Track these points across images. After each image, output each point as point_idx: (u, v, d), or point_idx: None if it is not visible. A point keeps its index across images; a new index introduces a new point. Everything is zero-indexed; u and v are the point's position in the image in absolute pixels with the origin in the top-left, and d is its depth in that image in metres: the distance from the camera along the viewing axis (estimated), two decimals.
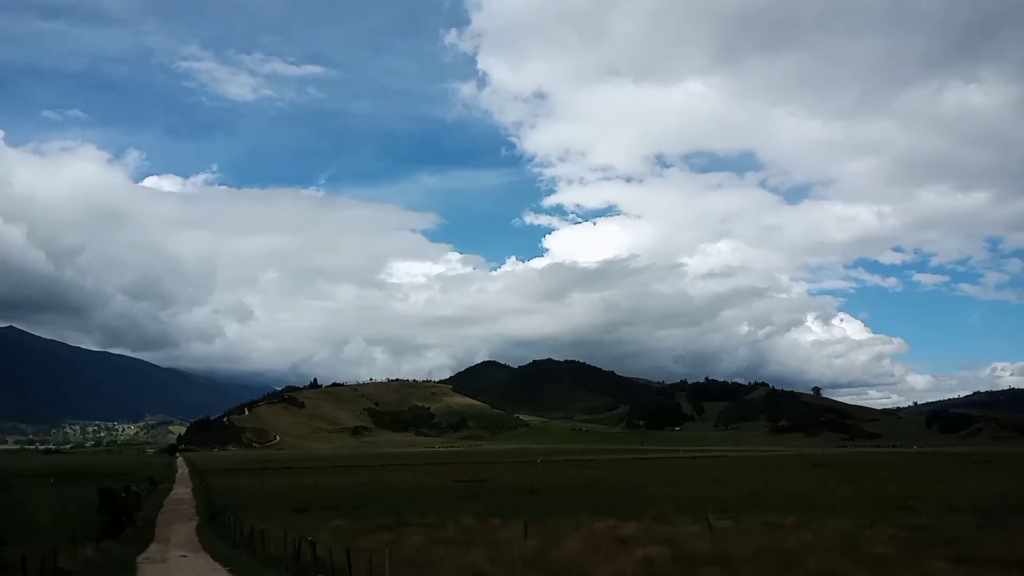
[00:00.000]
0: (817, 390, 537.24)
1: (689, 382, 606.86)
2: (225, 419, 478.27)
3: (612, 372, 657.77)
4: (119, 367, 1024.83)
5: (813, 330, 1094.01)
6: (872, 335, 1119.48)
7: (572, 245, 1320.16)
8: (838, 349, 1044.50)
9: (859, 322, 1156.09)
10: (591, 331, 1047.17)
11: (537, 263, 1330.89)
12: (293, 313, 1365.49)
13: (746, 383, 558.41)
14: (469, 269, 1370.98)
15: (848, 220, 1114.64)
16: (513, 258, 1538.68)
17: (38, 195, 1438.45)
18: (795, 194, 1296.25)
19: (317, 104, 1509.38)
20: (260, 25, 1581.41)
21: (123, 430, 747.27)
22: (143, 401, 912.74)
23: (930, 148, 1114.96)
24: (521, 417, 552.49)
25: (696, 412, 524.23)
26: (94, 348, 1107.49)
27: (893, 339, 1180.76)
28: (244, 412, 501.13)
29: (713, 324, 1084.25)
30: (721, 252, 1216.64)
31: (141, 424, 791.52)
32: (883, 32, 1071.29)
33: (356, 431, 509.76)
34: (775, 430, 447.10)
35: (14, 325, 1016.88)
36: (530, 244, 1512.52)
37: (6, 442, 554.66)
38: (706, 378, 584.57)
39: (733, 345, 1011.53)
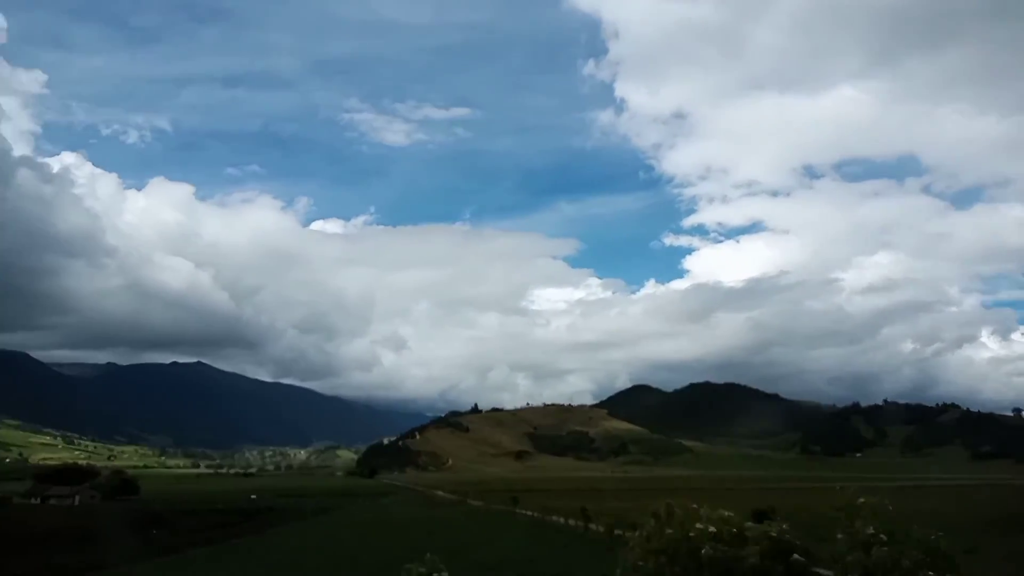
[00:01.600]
0: (1019, 411, 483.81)
1: (863, 405, 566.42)
2: (400, 443, 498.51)
3: (776, 395, 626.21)
4: (289, 396, 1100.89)
5: (989, 346, 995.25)
6: None
7: (715, 264, 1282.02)
8: (1020, 366, 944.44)
9: None
10: (738, 352, 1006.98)
11: (678, 285, 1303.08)
12: (442, 342, 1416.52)
13: (934, 405, 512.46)
14: (609, 293, 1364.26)
15: None
16: (653, 281, 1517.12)
17: (222, 242, 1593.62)
18: (965, 198, 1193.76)
19: (464, 144, 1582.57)
20: (412, 75, 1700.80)
21: (295, 455, 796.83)
22: (310, 427, 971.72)
23: None
24: (684, 443, 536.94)
25: (878, 437, 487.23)
26: (267, 379, 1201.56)
27: None
28: (415, 436, 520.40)
29: (873, 342, 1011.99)
30: (880, 265, 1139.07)
31: (310, 449, 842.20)
32: None
33: (519, 455, 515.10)
34: (976, 456, 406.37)
35: (202, 360, 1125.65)
36: (670, 266, 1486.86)
37: (199, 466, 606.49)
38: (884, 400, 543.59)
39: (896, 364, 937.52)
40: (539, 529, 54.45)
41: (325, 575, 33.65)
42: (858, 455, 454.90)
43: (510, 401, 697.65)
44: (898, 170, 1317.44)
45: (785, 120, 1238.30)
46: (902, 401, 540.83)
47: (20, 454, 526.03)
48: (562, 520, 56.83)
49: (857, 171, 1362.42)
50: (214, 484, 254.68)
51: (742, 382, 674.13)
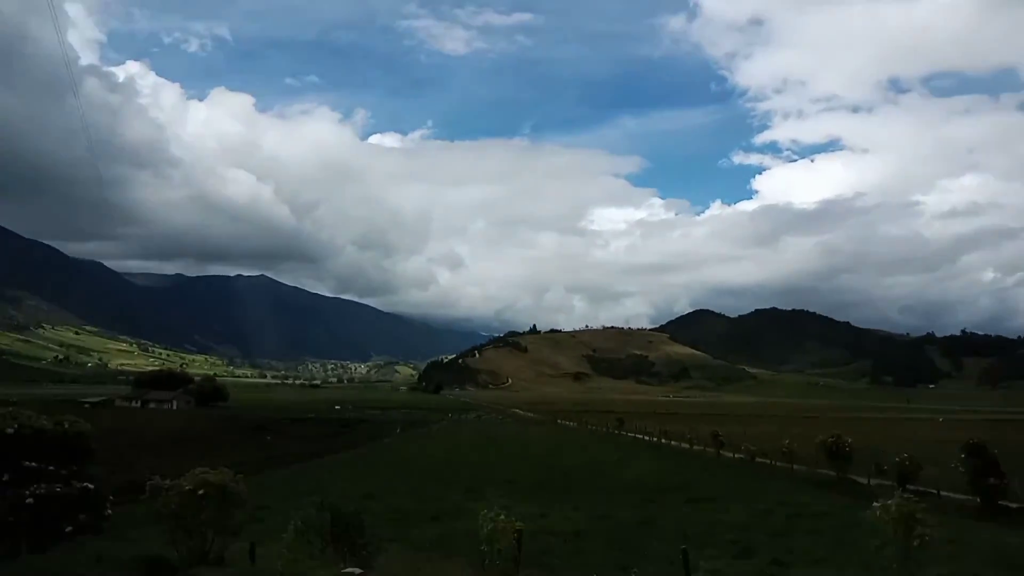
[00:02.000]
0: None
1: (938, 335, 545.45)
2: (460, 361, 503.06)
3: (847, 323, 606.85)
4: (348, 311, 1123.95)
5: None
6: None
7: (786, 185, 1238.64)
8: None
9: None
10: (805, 278, 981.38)
11: (746, 206, 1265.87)
12: (498, 261, 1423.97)
13: (1016, 337, 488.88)
14: (672, 214, 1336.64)
15: None
16: (719, 201, 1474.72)
17: (283, 155, 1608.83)
18: None
19: (525, 53, 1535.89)
20: None
21: (355, 368, 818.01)
22: (369, 342, 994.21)
23: None
24: (747, 369, 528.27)
25: (954, 368, 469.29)
26: (328, 294, 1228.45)
27: None
28: (475, 355, 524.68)
29: (951, 270, 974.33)
30: (965, 188, 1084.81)
31: (370, 364, 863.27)
32: None
33: (577, 376, 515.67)
34: None
35: (265, 274, 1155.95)
36: (738, 186, 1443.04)
37: (265, 376, 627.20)
38: (962, 331, 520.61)
39: (974, 294, 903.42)
40: (661, 451, 50.84)
41: (487, 486, 28.82)
42: (931, 386, 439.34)
43: (566, 322, 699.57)
44: (993, 85, 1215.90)
45: (873, 28, 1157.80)
46: (981, 332, 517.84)
47: (100, 359, 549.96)
48: (685, 445, 52.75)
49: (947, 85, 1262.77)
50: (291, 394, 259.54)
51: (810, 308, 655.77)
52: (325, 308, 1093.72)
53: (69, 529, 9.39)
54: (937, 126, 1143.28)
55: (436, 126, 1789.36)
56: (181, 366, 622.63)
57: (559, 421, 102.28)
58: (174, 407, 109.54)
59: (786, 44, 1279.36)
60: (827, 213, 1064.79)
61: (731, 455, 44.17)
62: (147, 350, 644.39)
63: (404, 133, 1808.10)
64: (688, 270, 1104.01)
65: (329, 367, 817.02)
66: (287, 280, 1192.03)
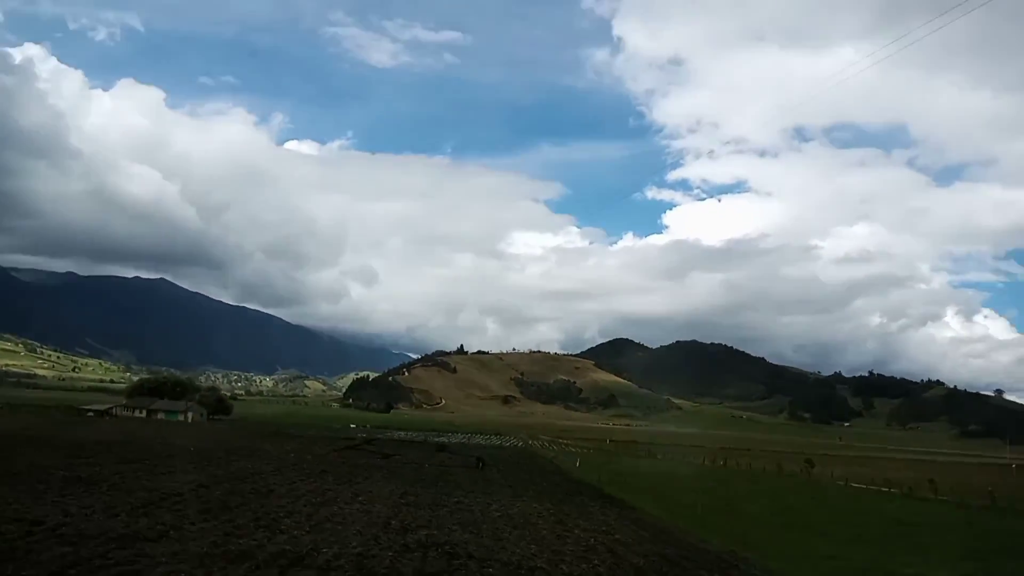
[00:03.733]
0: (1000, 392, 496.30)
1: (845, 375, 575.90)
2: (391, 379, 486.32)
3: (762, 359, 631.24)
4: (253, 321, 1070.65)
5: (951, 326, 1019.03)
6: (1019, 335, 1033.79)
7: (695, 222, 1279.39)
8: (978, 348, 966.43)
9: (1005, 320, 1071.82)
10: (709, 313, 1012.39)
11: (656, 240, 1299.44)
12: (413, 279, 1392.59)
13: (920, 381, 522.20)
14: (587, 243, 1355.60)
15: (1006, 205, 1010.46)
16: (631, 233, 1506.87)
17: (193, 154, 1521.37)
18: (947, 175, 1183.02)
19: (451, 71, 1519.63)
20: None
21: (260, 381, 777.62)
22: (275, 355, 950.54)
23: None
24: (671, 399, 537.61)
25: (864, 407, 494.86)
26: (231, 302, 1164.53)
27: None
28: (404, 373, 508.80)
29: (843, 313, 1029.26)
30: (858, 236, 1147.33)
31: (276, 377, 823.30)
32: None
33: (506, 400, 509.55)
34: (964, 434, 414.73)
35: (165, 277, 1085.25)
36: (650, 220, 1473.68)
37: None
38: (870, 372, 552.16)
39: (861, 336, 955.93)
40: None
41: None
42: (846, 424, 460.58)
43: (479, 344, 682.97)
44: (887, 140, 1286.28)
45: (783, 76, 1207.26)
46: (886, 374, 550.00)
47: None
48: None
49: (847, 137, 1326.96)
50: (254, 408, 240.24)
51: (719, 342, 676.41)
52: (228, 316, 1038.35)
53: None
54: (835, 175, 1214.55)
55: (356, 137, 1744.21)
56: (73, 370, 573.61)
57: (658, 456, 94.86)
58: (189, 419, 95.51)
59: (702, 85, 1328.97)
60: (733, 252, 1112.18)
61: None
62: (35, 351, 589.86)
63: (322, 142, 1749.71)
64: (600, 299, 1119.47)
65: (233, 378, 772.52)
66: (188, 285, 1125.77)
